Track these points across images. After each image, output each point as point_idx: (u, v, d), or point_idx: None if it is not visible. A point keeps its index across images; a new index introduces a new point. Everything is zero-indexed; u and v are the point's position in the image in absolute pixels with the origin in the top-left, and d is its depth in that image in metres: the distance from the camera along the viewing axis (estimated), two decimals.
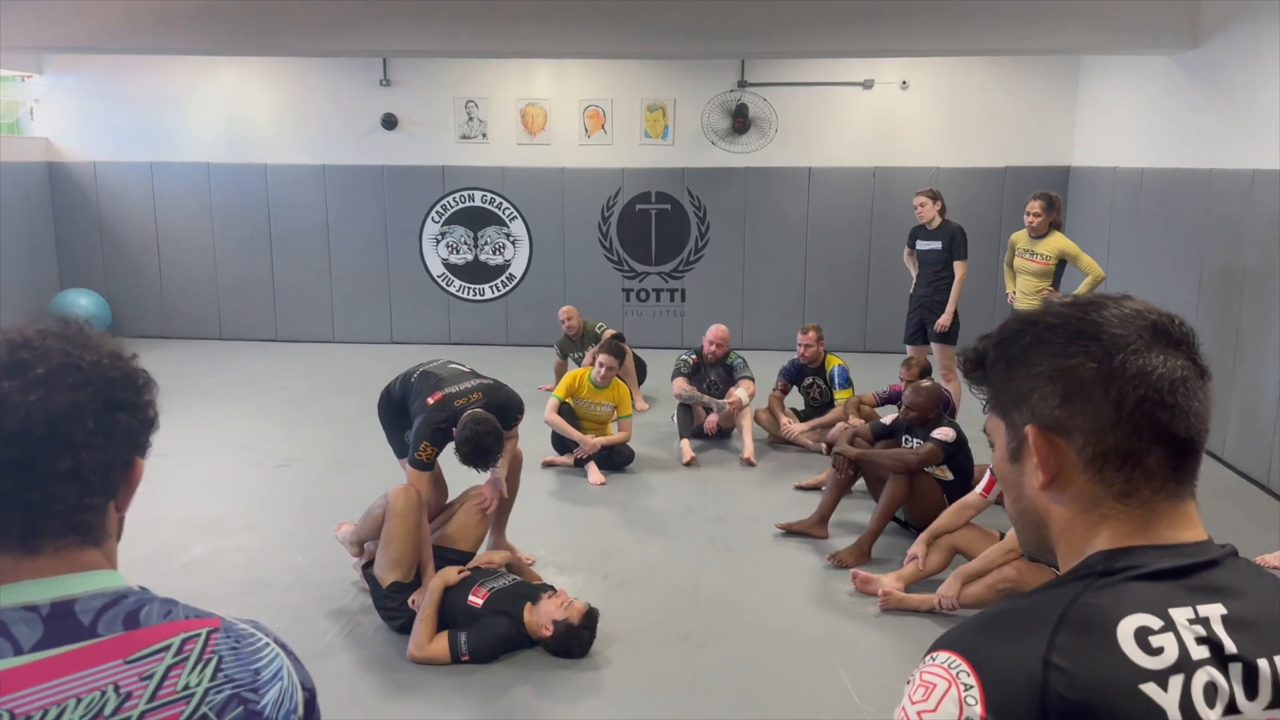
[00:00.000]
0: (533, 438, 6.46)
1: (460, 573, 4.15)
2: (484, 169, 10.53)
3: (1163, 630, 0.91)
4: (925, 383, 5.45)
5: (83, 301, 10.46)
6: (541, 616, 3.97)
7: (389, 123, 10.47)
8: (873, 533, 5.07)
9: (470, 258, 10.71)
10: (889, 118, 10.11)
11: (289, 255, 10.78)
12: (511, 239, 10.66)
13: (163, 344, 10.50)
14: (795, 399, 7.27)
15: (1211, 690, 0.90)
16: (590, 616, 4.01)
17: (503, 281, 10.73)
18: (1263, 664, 0.92)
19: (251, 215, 10.73)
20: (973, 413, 6.06)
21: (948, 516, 4.74)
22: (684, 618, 4.37)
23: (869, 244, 10.29)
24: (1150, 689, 0.88)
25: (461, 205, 10.61)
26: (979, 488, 4.73)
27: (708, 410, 6.89)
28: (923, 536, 4.73)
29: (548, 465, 6.49)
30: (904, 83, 10.01)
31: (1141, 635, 0.91)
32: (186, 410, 7.63)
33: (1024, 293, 6.75)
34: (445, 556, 4.33)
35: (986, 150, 10.00)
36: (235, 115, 10.60)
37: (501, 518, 4.92)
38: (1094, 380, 0.97)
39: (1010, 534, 4.39)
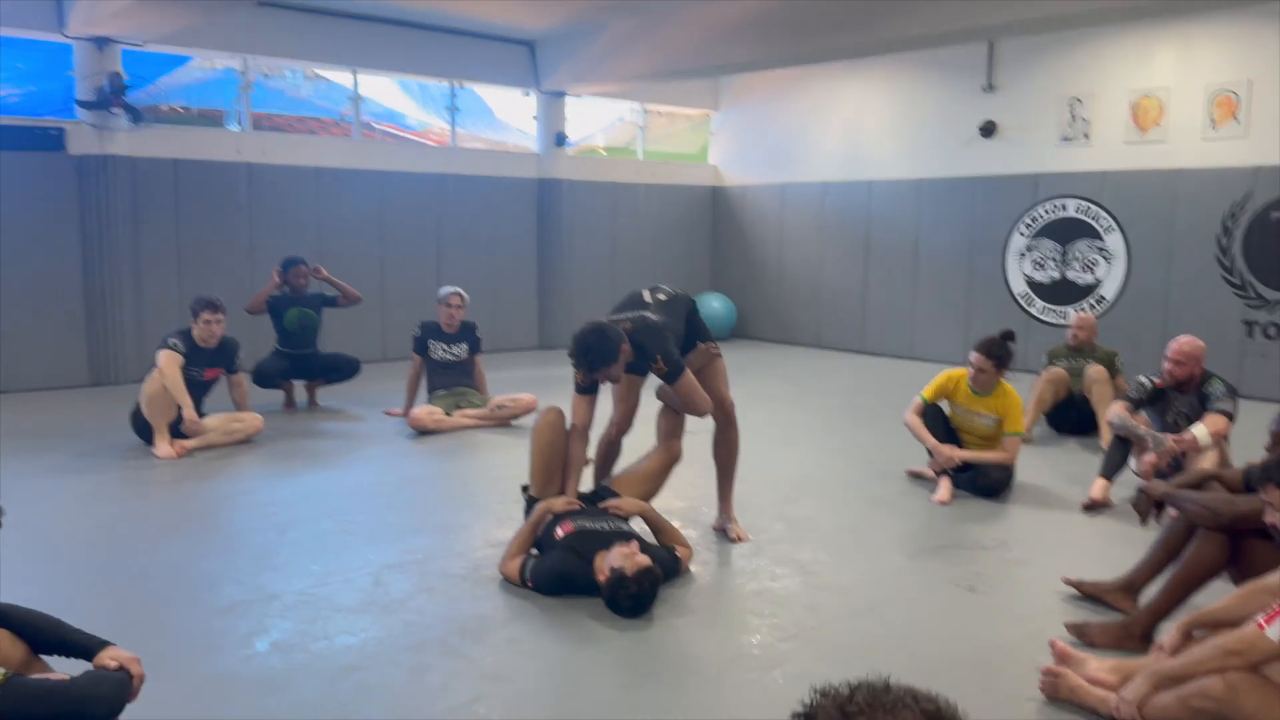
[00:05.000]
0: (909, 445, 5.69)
1: (568, 504, 4.04)
2: (1082, 175, 9.20)
3: None
4: None
5: (715, 305, 12.03)
6: (604, 561, 3.67)
7: (987, 130, 9.86)
8: (1155, 610, 3.37)
9: (1057, 275, 9.44)
10: None
11: (881, 269, 10.85)
12: (1105, 254, 9.09)
13: (771, 348, 11.52)
14: None
15: None
16: (647, 574, 3.56)
17: (1091, 303, 9.20)
18: None
19: (854, 230, 11.08)
20: None
21: (1233, 600, 2.94)
22: (804, 640, 3.52)
23: None
24: None
25: (1053, 216, 9.43)
26: None
27: (1156, 445, 5.12)
28: (1184, 622, 3.02)
29: (912, 475, 5.60)
30: None
31: None
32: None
33: None
34: (605, 496, 4.22)
35: None
36: (851, 135, 11.09)
37: (725, 477, 4.56)
38: None
39: (1240, 631, 2.60)
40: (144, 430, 6.08)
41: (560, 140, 11.18)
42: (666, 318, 4.27)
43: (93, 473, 5.57)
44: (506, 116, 11.92)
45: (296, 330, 7.40)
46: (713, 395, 4.32)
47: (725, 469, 4.56)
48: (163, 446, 5.92)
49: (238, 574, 3.97)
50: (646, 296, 4.37)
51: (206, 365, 6.24)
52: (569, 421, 4.23)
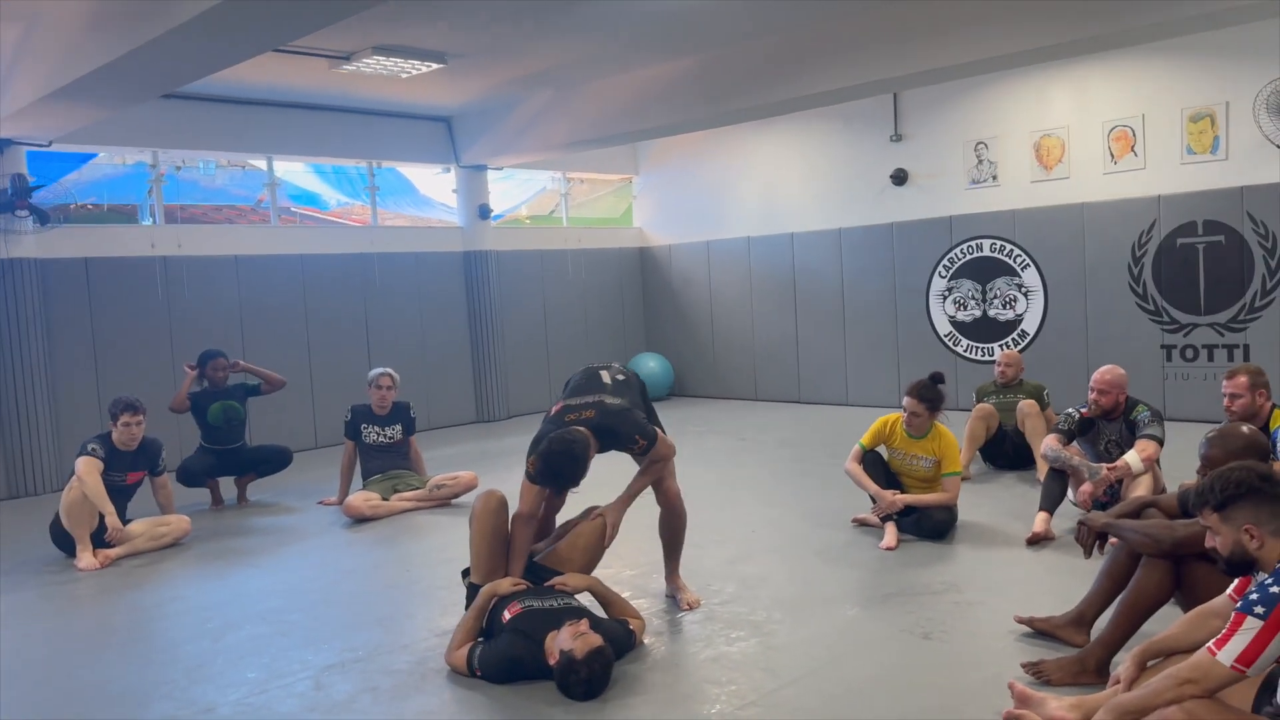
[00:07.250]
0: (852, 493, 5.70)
1: (514, 585, 3.93)
2: (993, 214, 9.48)
3: None
4: (1242, 427, 3.46)
5: (651, 364, 12.04)
6: (554, 643, 3.56)
7: (899, 178, 10.13)
8: (1107, 643, 3.38)
9: (979, 314, 9.65)
10: None
11: (810, 319, 10.99)
12: (1024, 290, 9.34)
13: (709, 403, 11.54)
14: None
15: None
16: (596, 656, 3.45)
17: (1014, 339, 9.42)
18: None
19: (780, 282, 11.23)
20: None
21: (1182, 627, 2.96)
22: (765, 706, 3.44)
23: None
24: None
25: (969, 256, 9.67)
26: (1230, 588, 2.88)
27: (1091, 475, 5.20)
28: (1137, 652, 3.03)
29: (858, 523, 5.60)
30: None
31: None
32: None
33: None
34: (548, 575, 4.09)
35: None
36: (770, 189, 11.30)
37: (671, 553, 4.48)
38: None
39: (1193, 658, 2.61)
40: (64, 542, 5.81)
41: (484, 213, 11.18)
42: (628, 397, 4.22)
43: (9, 591, 5.29)
44: (429, 191, 11.91)
45: (221, 425, 7.19)
46: (659, 484, 4.28)
47: (671, 547, 4.46)
48: (85, 557, 5.65)
49: (170, 688, 3.77)
50: (605, 377, 4.27)
51: (128, 469, 6.00)
52: (511, 504, 4.12)
